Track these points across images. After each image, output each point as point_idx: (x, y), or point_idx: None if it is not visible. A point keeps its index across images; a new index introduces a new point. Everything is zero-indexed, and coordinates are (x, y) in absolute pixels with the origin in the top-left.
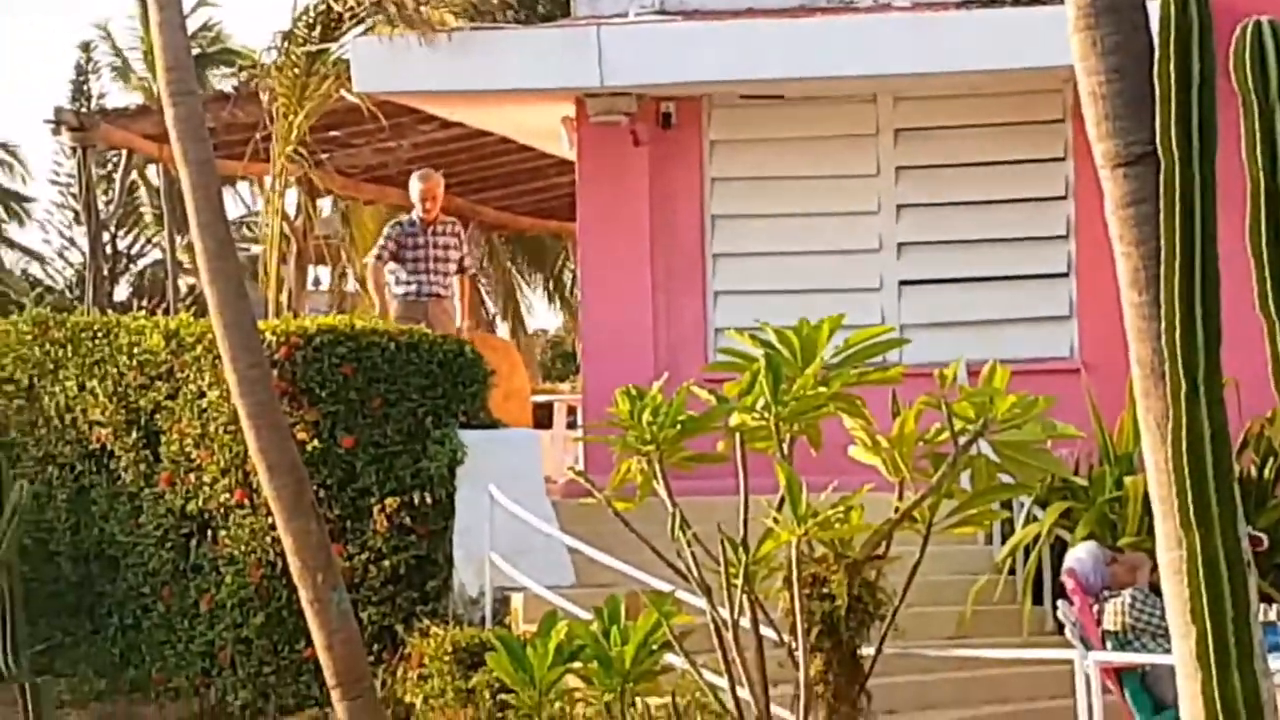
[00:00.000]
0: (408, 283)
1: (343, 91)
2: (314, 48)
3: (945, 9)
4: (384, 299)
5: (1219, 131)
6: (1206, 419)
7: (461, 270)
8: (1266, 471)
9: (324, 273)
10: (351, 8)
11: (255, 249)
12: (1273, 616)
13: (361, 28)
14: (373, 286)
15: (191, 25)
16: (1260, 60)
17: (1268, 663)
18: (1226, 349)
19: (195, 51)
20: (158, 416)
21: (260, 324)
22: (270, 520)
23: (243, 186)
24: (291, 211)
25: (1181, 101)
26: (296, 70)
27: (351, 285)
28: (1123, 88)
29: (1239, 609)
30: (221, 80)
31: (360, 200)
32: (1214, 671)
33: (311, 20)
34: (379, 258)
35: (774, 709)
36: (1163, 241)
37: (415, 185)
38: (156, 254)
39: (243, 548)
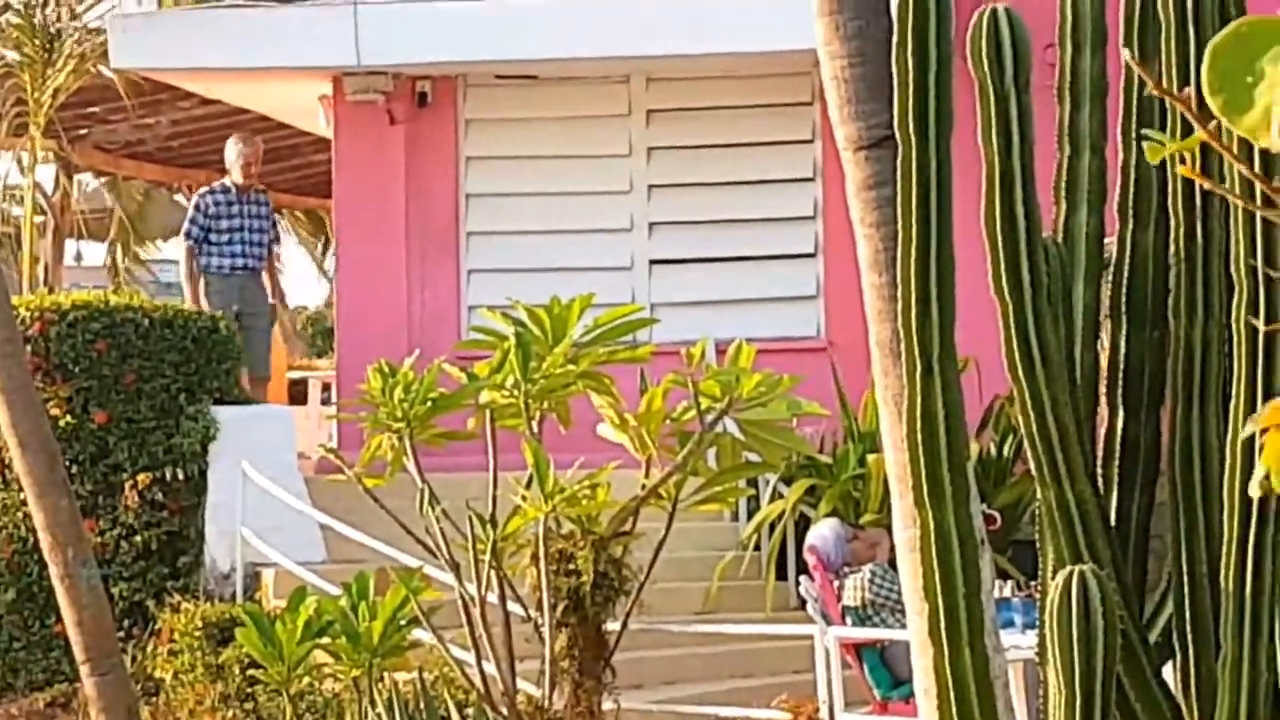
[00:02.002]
0: (221, 254)
1: (100, 67)
2: (55, 26)
3: None
4: (192, 283)
5: (956, 116)
6: (941, 398)
7: (272, 243)
8: (1005, 449)
9: (87, 248)
10: None
11: (17, 211)
12: (1008, 593)
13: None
14: (184, 272)
15: None
16: (996, 46)
17: (999, 639)
18: (968, 330)
19: None
20: None
21: (14, 299)
22: (22, 495)
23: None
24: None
25: (920, 86)
26: (38, 47)
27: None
28: (864, 72)
29: (970, 586)
30: None
31: (119, 176)
32: (945, 647)
33: None
34: (189, 235)
35: (520, 684)
36: (900, 224)
37: (236, 149)
38: None
39: None
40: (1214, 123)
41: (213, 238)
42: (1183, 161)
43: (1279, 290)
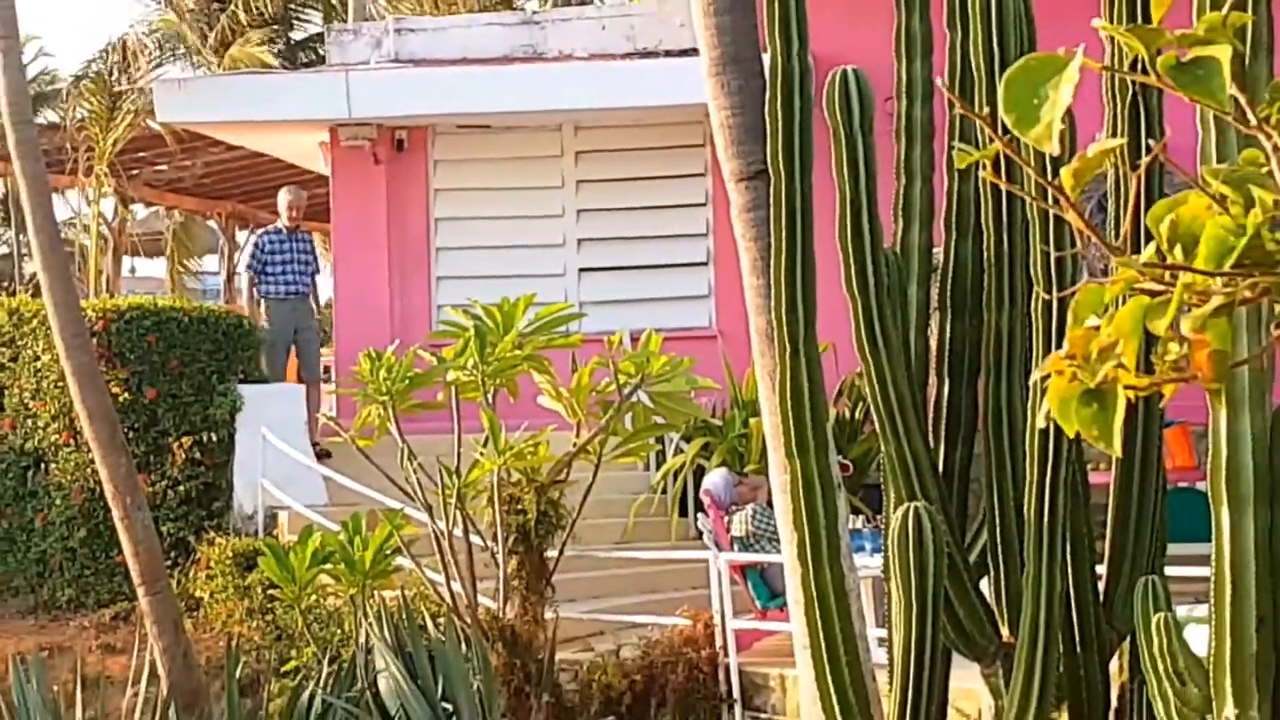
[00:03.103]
0: (276, 282)
1: (149, 121)
2: (117, 88)
3: (614, 59)
4: (253, 306)
5: (815, 154)
6: (806, 374)
7: (316, 273)
8: (856, 413)
9: (139, 263)
10: (146, 50)
11: (83, 237)
12: (859, 525)
13: (158, 70)
14: (246, 297)
15: (31, 70)
16: (847, 99)
17: (853, 560)
18: (828, 320)
19: (33, 91)
20: (2, 375)
21: (83, 302)
22: (90, 456)
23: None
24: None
25: (787, 131)
26: (102, 105)
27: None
28: (744, 120)
29: (830, 519)
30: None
31: (164, 207)
32: (811, 567)
33: (109, 67)
34: (250, 268)
35: (480, 599)
36: (772, 239)
37: (285, 197)
38: (3, 248)
39: (69, 477)
40: (1008, 136)
41: (269, 269)
42: (984, 168)
43: (1066, 269)
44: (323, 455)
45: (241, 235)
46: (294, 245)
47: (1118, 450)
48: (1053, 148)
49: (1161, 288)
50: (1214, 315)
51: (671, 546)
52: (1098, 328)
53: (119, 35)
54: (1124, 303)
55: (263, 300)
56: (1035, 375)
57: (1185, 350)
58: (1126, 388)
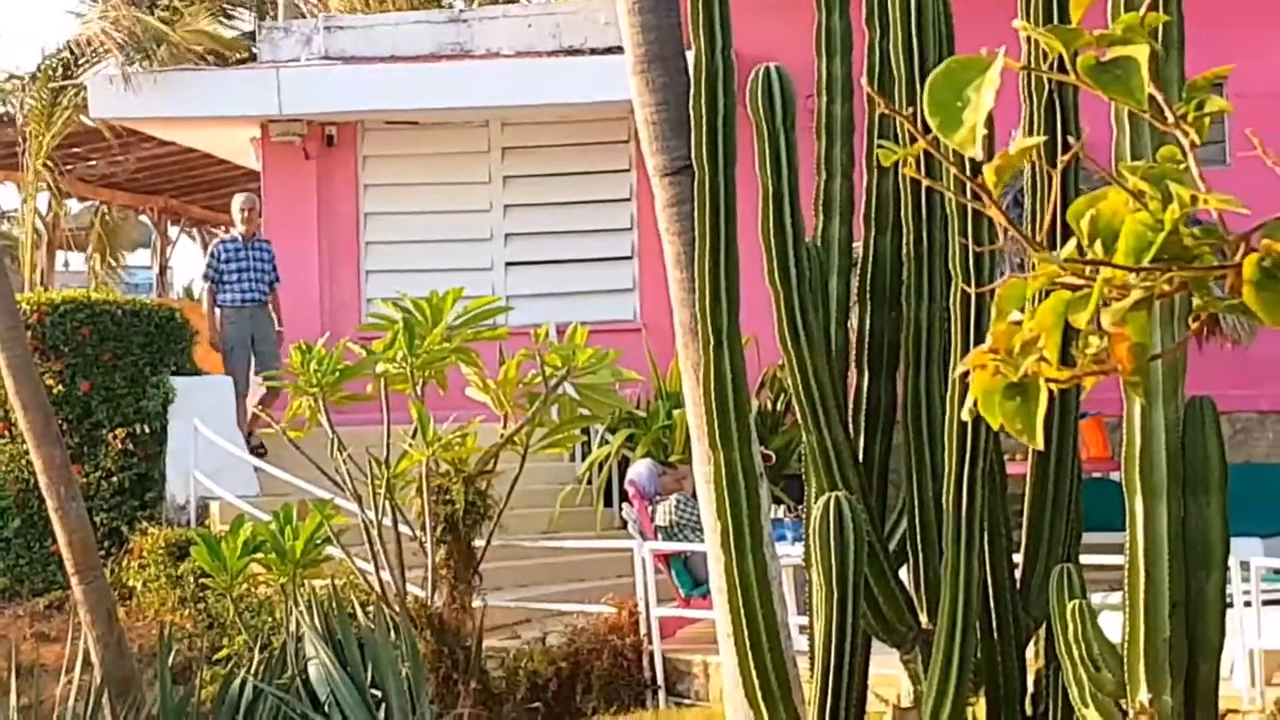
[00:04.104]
0: (232, 290)
1: (83, 117)
2: (58, 84)
3: (540, 56)
4: (211, 316)
5: (739, 149)
6: (729, 366)
7: (273, 283)
8: (778, 405)
9: (73, 256)
10: (91, 50)
11: (17, 231)
12: (781, 514)
13: (97, 67)
14: (205, 306)
15: None
16: (769, 96)
17: (775, 549)
18: (750, 313)
19: None
20: None
21: (18, 295)
22: (25, 447)
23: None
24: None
25: (711, 127)
26: (43, 101)
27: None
28: (668, 116)
29: (753, 508)
30: None
31: (98, 201)
32: (734, 555)
33: (54, 64)
34: (206, 277)
35: (409, 588)
36: (696, 232)
37: (238, 200)
38: None
39: (3, 469)
40: (931, 136)
41: (226, 278)
42: (907, 164)
43: (984, 263)
44: (257, 451)
45: (174, 230)
46: (250, 254)
47: (1040, 443)
48: (975, 152)
49: (1082, 282)
50: (1133, 309)
51: (597, 536)
52: (1020, 322)
53: (78, 32)
54: (1045, 297)
55: (220, 309)
56: (957, 370)
57: (1105, 343)
58: (1048, 381)
